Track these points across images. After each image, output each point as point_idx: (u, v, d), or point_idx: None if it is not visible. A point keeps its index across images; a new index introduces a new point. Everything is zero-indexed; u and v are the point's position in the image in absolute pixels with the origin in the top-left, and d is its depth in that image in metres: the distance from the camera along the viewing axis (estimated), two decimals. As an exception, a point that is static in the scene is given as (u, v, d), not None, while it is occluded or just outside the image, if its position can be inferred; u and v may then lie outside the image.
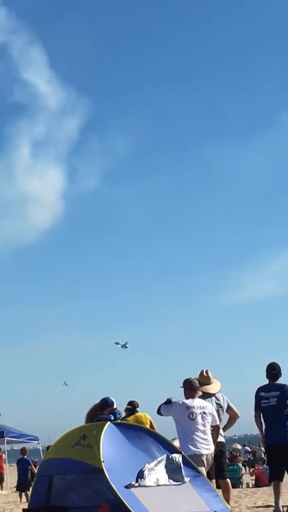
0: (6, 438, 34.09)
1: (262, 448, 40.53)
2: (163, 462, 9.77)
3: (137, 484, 9.23)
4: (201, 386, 12.75)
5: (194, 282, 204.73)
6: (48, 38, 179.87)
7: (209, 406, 11.90)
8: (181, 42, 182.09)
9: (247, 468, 39.88)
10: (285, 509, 12.96)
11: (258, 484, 26.82)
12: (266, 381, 13.49)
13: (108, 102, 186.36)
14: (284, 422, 13.09)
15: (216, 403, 12.91)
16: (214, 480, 12.38)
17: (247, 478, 31.45)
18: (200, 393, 12.52)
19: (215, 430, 11.91)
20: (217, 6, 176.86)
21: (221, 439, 12.93)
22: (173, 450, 10.18)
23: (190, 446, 11.17)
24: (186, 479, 9.83)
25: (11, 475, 35.50)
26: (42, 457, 12.52)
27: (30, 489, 13.26)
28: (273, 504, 13.34)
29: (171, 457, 9.92)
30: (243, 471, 34.13)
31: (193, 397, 11.86)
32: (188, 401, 11.76)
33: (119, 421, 10.34)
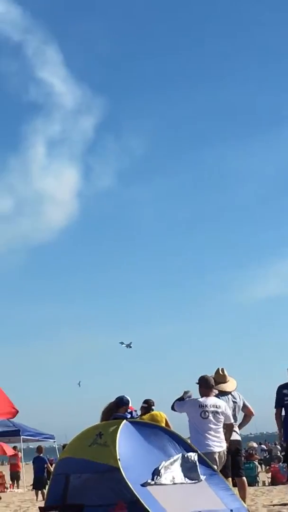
0: (22, 437, 34.19)
1: (278, 446, 40.54)
2: (179, 461, 9.78)
3: (153, 483, 9.24)
4: (217, 385, 12.75)
5: (210, 280, 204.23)
6: (63, 37, 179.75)
7: (222, 405, 11.89)
8: (198, 41, 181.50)
9: (263, 466, 39.79)
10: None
11: (274, 482, 26.75)
12: (286, 379, 13.49)
13: (123, 101, 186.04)
14: None
15: (233, 402, 12.91)
16: (230, 479, 12.38)
17: (263, 476, 31.39)
18: (215, 391, 12.53)
19: (228, 428, 11.90)
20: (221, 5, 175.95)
21: (237, 437, 12.93)
22: (189, 448, 10.18)
23: (202, 444, 11.17)
24: (202, 477, 9.83)
25: (27, 473, 35.59)
26: (58, 456, 12.54)
27: (46, 488, 13.29)
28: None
29: (187, 455, 9.92)
30: (259, 469, 34.02)
31: (207, 395, 11.85)
32: (202, 400, 11.76)
33: (135, 419, 10.34)
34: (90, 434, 9.94)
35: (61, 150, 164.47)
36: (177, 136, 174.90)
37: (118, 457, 9.24)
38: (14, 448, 37.73)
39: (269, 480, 28.68)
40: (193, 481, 9.72)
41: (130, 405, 11.00)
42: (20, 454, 36.86)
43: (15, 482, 36.22)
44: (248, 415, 13.36)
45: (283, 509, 14.48)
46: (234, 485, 12.63)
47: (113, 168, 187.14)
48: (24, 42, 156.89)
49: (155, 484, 9.24)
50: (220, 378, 13.03)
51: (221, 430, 11.71)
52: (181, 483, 9.58)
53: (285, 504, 15.14)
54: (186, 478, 9.68)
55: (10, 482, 36.29)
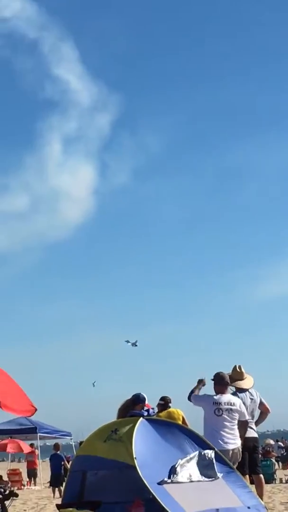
0: (39, 434, 34.24)
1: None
2: (196, 458, 9.76)
3: (169, 481, 9.21)
4: (234, 382, 12.76)
5: (226, 277, 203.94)
6: (79, 33, 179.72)
7: (237, 402, 11.88)
8: (213, 38, 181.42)
9: (280, 463, 39.75)
10: None
11: (291, 479, 26.76)
12: None
13: (139, 98, 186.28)
14: None
15: (250, 399, 12.90)
16: (247, 476, 12.36)
17: (280, 473, 31.39)
18: (232, 388, 12.52)
19: (242, 425, 11.90)
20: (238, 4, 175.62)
21: (254, 434, 12.92)
22: (206, 446, 10.15)
23: (216, 441, 11.16)
24: (219, 475, 9.80)
25: (44, 470, 35.69)
26: (75, 453, 12.54)
27: (63, 485, 13.30)
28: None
29: (204, 453, 9.90)
30: (276, 466, 34.03)
31: (222, 392, 11.85)
32: (216, 397, 11.77)
33: (151, 416, 10.33)
34: (106, 431, 9.94)
35: (77, 147, 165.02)
36: (193, 133, 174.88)
37: (134, 456, 9.22)
38: (31, 445, 37.81)
39: (286, 477, 28.68)
40: (210, 479, 9.70)
41: (146, 402, 10.99)
42: (37, 452, 36.94)
43: (32, 479, 36.30)
44: (264, 412, 13.34)
45: (301, 506, 14.45)
46: (251, 482, 12.61)
47: (129, 165, 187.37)
48: (40, 39, 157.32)
49: (172, 482, 9.22)
50: (238, 375, 13.02)
51: (236, 427, 11.71)
52: (198, 481, 9.56)
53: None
54: (203, 476, 9.66)
55: (27, 479, 36.37)
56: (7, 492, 11.27)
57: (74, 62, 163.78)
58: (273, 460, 31.72)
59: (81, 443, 17.08)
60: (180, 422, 13.47)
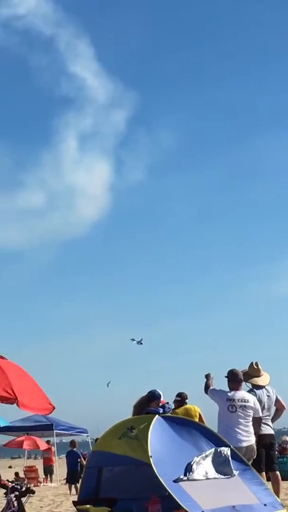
0: (55, 431, 34.31)
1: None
2: (212, 456, 9.75)
3: (185, 478, 9.21)
4: (251, 378, 12.76)
5: (237, 274, 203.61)
6: (95, 30, 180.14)
7: (251, 399, 11.87)
8: (230, 35, 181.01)
9: (296, 460, 39.58)
10: None
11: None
12: None
13: (155, 95, 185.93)
14: None
15: (267, 396, 12.89)
16: (263, 473, 12.34)
17: (297, 470, 31.23)
18: (249, 385, 12.52)
19: (256, 422, 11.88)
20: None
21: (270, 431, 12.91)
22: (222, 443, 10.14)
23: (229, 438, 11.14)
24: (235, 472, 9.79)
25: (60, 467, 35.75)
26: (91, 450, 12.55)
27: (80, 482, 13.32)
28: None
29: (220, 450, 9.88)
30: (293, 463, 33.88)
31: (236, 389, 11.86)
32: (230, 393, 11.77)
33: (168, 414, 10.31)
34: (122, 428, 9.94)
35: (93, 144, 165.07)
36: (208, 130, 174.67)
37: (150, 454, 9.21)
38: (48, 442, 37.87)
39: (303, 474, 28.53)
40: (226, 476, 9.68)
41: (161, 399, 10.99)
42: (54, 448, 36.99)
43: (49, 476, 36.36)
44: (280, 409, 13.33)
45: None
46: (268, 479, 12.59)
47: (145, 161, 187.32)
48: (56, 36, 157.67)
49: (188, 480, 9.22)
50: (254, 372, 13.01)
51: (250, 424, 11.71)
52: (214, 478, 9.55)
53: None
54: (219, 473, 9.64)
55: (44, 476, 36.45)
56: (24, 489, 11.27)
57: (90, 59, 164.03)
58: (290, 457, 31.57)
59: (96, 440, 17.11)
60: (197, 419, 13.48)
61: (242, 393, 11.89)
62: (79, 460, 27.21)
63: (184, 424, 10.34)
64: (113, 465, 10.06)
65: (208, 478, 9.46)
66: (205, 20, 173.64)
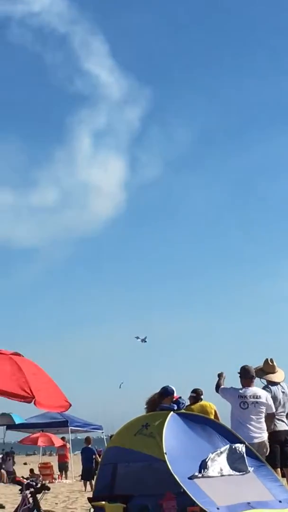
0: (70, 428, 34.41)
1: None
2: (226, 452, 9.74)
3: (200, 475, 9.20)
4: (266, 375, 12.76)
5: (252, 272, 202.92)
6: (109, 27, 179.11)
7: (263, 395, 11.87)
8: (246, 31, 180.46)
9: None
10: None
11: None
12: None
13: (170, 91, 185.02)
14: None
15: (282, 392, 12.87)
16: (278, 469, 12.33)
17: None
18: (264, 381, 12.50)
19: (268, 418, 11.88)
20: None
21: (285, 427, 12.88)
22: (237, 440, 10.12)
23: (241, 434, 11.13)
24: (250, 468, 9.78)
25: (75, 464, 35.84)
26: (106, 446, 12.58)
27: (95, 478, 13.35)
28: None
29: (234, 447, 9.87)
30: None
31: (248, 385, 11.87)
32: (242, 390, 11.79)
33: (182, 410, 10.31)
34: (137, 424, 9.95)
35: (107, 141, 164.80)
36: (224, 126, 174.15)
37: (164, 451, 9.21)
38: (63, 439, 37.97)
39: None
40: (241, 473, 9.67)
41: (175, 394, 10.99)
42: (68, 445, 37.09)
43: (64, 472, 36.43)
44: (294, 405, 13.30)
45: None
46: (283, 475, 12.57)
47: (159, 158, 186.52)
48: (70, 34, 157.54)
49: (203, 476, 9.21)
50: (269, 368, 13.00)
51: (263, 420, 11.71)
52: (229, 475, 9.54)
53: None
54: (233, 470, 9.64)
55: (59, 473, 36.52)
56: (39, 485, 11.30)
57: (104, 56, 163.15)
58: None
59: (111, 436, 17.13)
60: (212, 416, 13.48)
61: (254, 389, 11.89)
62: (94, 456, 27.27)
63: (199, 420, 10.33)
64: (128, 462, 10.07)
65: (223, 475, 9.46)
66: (221, 15, 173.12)
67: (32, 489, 11.11)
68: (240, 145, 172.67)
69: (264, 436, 11.66)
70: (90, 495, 11.09)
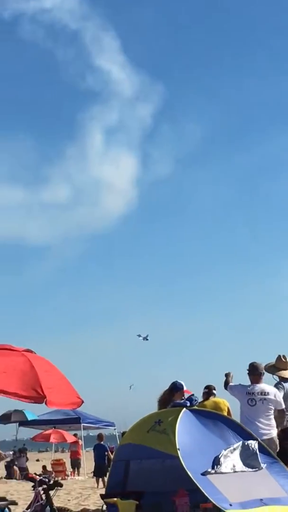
0: (82, 424, 34.42)
1: None
2: (239, 449, 9.74)
3: (213, 471, 9.20)
4: (278, 371, 12.73)
5: (259, 269, 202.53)
6: (120, 23, 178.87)
7: (272, 391, 11.85)
8: (258, 26, 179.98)
9: None
10: None
11: None
12: None
13: (182, 87, 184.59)
14: None
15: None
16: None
17: None
18: (276, 378, 12.48)
19: (278, 414, 11.85)
20: None
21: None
22: (249, 437, 10.12)
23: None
24: (263, 465, 9.77)
25: (88, 460, 35.86)
26: (119, 443, 12.58)
27: (107, 475, 13.35)
28: None
29: (247, 443, 9.87)
30: None
31: (257, 382, 11.86)
32: (250, 387, 11.77)
33: (195, 407, 10.31)
34: (149, 421, 9.95)
35: (118, 137, 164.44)
36: (236, 122, 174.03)
37: (177, 447, 9.21)
38: (75, 435, 38.03)
39: None
40: (253, 469, 9.67)
41: (185, 388, 11.00)
42: (81, 442, 37.12)
43: (76, 469, 36.49)
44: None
45: None
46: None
47: (171, 155, 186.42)
48: (81, 30, 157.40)
49: (216, 473, 9.21)
50: (282, 364, 12.98)
51: (271, 416, 11.69)
52: (242, 471, 9.54)
53: None
54: (246, 466, 9.63)
55: (71, 470, 36.58)
56: (52, 482, 11.30)
57: (116, 52, 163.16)
58: None
59: (123, 433, 17.12)
60: (225, 413, 13.45)
61: (262, 386, 11.87)
62: (106, 453, 27.27)
63: (212, 417, 10.33)
64: (140, 458, 10.08)
65: (235, 471, 9.46)
66: (233, 10, 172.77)
67: (45, 486, 11.10)
68: (252, 142, 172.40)
69: (273, 433, 11.64)
70: (103, 491, 11.11)
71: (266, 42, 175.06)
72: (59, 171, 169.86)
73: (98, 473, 26.83)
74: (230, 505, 8.81)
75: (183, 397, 10.79)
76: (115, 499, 9.82)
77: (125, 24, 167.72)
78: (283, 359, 13.07)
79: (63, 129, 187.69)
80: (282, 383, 12.72)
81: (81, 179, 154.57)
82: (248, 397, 11.70)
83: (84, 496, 20.60)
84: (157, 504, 9.78)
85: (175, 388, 10.92)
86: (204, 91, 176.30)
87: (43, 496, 11.13)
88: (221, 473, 9.26)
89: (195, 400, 10.42)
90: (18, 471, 35.75)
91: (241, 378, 12.29)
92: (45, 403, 10.17)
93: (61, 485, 11.47)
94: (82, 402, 11.19)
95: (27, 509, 11.55)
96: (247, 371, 12.04)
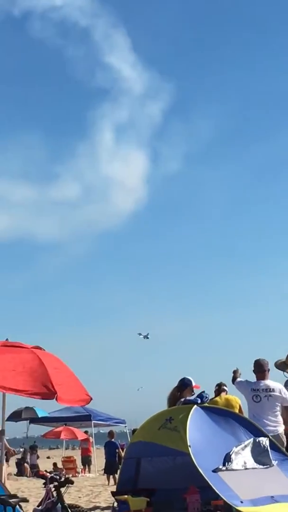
0: (93, 421, 34.42)
1: None
2: (250, 446, 9.72)
3: (224, 468, 9.18)
4: (289, 368, 12.69)
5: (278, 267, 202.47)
6: (131, 21, 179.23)
7: (277, 387, 11.84)
8: (269, 25, 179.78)
9: None
10: None
11: None
12: None
13: (191, 85, 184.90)
14: None
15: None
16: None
17: None
18: (286, 375, 12.46)
19: (285, 410, 11.84)
20: None
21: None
22: (260, 434, 10.11)
23: None
24: (274, 462, 9.75)
25: (98, 458, 35.87)
26: (129, 440, 12.58)
27: (118, 472, 13.35)
28: None
29: (258, 440, 9.85)
30: None
31: (262, 378, 11.88)
32: (255, 383, 11.75)
33: (206, 404, 10.30)
34: (160, 418, 9.95)
35: (128, 135, 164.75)
36: (246, 120, 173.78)
37: (188, 444, 9.20)
38: (86, 432, 38.04)
39: None
40: (264, 466, 9.65)
41: (193, 384, 10.98)
42: (91, 439, 37.14)
43: (86, 466, 36.51)
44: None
45: None
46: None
47: (181, 152, 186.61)
48: (92, 27, 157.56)
49: (227, 469, 9.19)
50: (292, 361, 12.95)
51: (278, 413, 11.70)
52: (253, 468, 9.53)
53: None
54: (257, 463, 9.62)
55: (82, 467, 36.60)
56: (63, 479, 11.30)
57: (126, 50, 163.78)
58: None
59: (134, 430, 17.09)
60: (237, 411, 13.44)
61: (267, 383, 11.87)
62: (117, 450, 27.29)
63: (223, 414, 10.32)
64: (151, 456, 10.06)
65: (246, 468, 9.45)
66: (243, 9, 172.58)
67: (55, 483, 11.10)
68: (262, 140, 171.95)
69: (279, 429, 11.62)
70: (114, 489, 11.09)
71: (277, 38, 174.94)
72: (69, 168, 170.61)
73: (109, 470, 26.86)
74: (241, 502, 8.79)
75: (192, 393, 10.79)
76: (126, 496, 9.80)
77: (135, 21, 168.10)
78: (293, 356, 13.05)
79: (73, 126, 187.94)
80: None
81: (91, 176, 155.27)
82: (253, 394, 11.73)
83: (95, 493, 20.60)
84: (168, 501, 9.76)
85: (184, 384, 10.92)
86: (214, 88, 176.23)
87: (54, 493, 11.13)
88: (232, 470, 9.24)
89: (206, 397, 10.40)
90: (29, 469, 35.81)
91: (250, 375, 12.29)
92: (56, 399, 10.18)
93: (72, 482, 11.47)
94: (91, 399, 11.20)
95: (38, 506, 11.56)
96: (253, 369, 12.04)
